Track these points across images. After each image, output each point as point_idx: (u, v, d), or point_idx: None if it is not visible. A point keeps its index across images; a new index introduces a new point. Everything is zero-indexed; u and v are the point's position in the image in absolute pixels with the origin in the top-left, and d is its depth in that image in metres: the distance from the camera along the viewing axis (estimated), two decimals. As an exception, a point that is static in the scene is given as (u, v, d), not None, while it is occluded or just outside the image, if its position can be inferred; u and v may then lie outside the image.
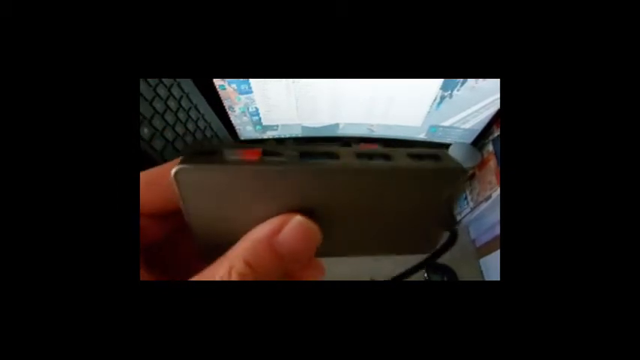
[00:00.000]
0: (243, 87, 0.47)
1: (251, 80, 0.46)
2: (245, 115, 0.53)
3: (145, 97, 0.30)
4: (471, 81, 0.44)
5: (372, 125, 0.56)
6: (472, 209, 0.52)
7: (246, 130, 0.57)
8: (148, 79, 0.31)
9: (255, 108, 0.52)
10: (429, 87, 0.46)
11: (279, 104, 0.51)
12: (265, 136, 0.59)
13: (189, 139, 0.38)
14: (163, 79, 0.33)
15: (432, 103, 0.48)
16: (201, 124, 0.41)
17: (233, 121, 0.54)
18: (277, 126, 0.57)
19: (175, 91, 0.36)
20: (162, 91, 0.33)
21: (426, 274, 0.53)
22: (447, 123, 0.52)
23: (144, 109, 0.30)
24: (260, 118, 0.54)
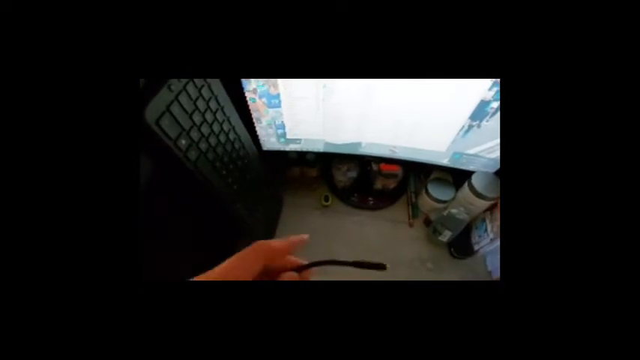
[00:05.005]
0: (273, 101, 0.48)
1: (281, 95, 0.47)
2: (271, 128, 0.54)
3: (185, 110, 0.31)
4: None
5: (394, 147, 0.56)
6: (492, 240, 0.52)
7: (270, 141, 0.57)
8: (189, 93, 0.32)
9: (282, 121, 0.52)
10: (458, 116, 0.46)
11: (306, 119, 0.52)
12: (288, 149, 0.60)
13: (220, 150, 0.39)
14: (203, 93, 0.34)
15: (459, 131, 0.48)
16: (231, 136, 0.42)
17: (258, 132, 0.55)
18: (300, 140, 0.57)
19: (212, 105, 0.36)
20: (201, 105, 0.34)
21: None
22: (471, 151, 0.52)
23: (184, 121, 0.31)
24: (285, 132, 0.55)
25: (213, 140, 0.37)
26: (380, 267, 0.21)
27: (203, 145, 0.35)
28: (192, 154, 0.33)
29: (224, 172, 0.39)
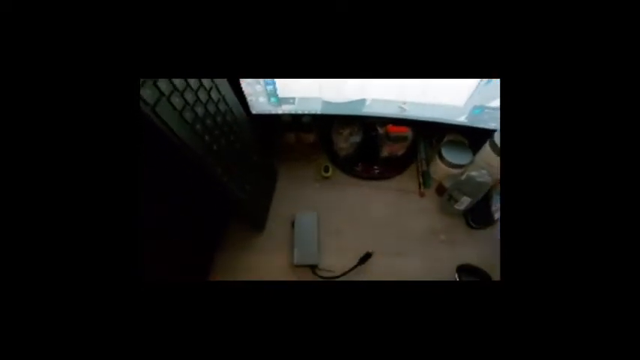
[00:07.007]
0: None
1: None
2: (259, 84, 0.46)
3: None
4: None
5: (404, 103, 0.48)
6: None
7: (259, 101, 0.49)
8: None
9: (272, 76, 0.44)
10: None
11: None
12: (280, 111, 0.51)
13: (200, 109, 0.31)
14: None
15: (481, 79, 0.41)
16: (214, 94, 0.34)
17: (245, 90, 0.47)
18: (294, 99, 0.49)
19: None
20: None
21: (457, 276, 0.47)
22: (495, 103, 0.44)
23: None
24: (276, 89, 0.47)
25: (200, 109, 0.29)
26: None
27: (176, 101, 0.27)
28: (162, 110, 0.25)
29: (200, 129, 0.32)
